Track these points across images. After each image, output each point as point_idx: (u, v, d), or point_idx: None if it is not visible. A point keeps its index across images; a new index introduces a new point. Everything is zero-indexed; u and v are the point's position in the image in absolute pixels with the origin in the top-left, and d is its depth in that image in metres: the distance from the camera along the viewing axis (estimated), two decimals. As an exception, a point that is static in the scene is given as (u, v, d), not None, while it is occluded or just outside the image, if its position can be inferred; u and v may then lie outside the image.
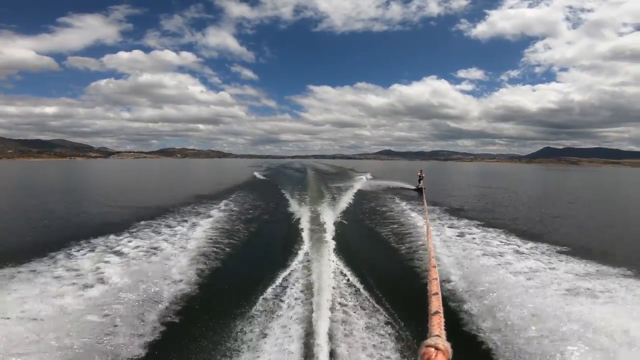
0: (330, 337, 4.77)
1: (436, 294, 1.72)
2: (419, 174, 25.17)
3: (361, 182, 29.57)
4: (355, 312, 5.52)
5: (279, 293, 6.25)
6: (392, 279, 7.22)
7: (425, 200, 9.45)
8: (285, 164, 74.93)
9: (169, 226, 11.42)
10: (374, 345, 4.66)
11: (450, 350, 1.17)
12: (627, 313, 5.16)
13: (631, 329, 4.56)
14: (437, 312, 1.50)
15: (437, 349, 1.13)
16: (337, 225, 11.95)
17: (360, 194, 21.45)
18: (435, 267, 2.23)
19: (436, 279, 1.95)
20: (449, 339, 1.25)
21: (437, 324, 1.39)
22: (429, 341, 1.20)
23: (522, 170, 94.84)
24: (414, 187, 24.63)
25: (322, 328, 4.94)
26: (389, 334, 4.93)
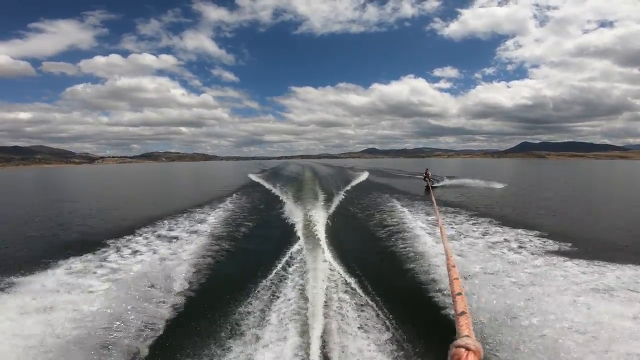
0: (325, 333, 4.95)
1: (460, 294, 1.68)
2: (425, 172, 25.27)
3: (359, 180, 29.64)
4: (350, 310, 5.70)
5: (276, 291, 6.47)
6: (387, 277, 7.38)
7: (434, 200, 9.63)
8: (279, 166, 73.29)
9: (166, 231, 11.55)
10: (368, 344, 4.77)
11: (481, 350, 1.14)
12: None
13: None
14: (463, 313, 1.46)
15: (467, 349, 1.11)
16: (333, 225, 12.15)
17: (357, 193, 21.63)
18: (454, 267, 2.20)
19: (457, 279, 1.91)
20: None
21: (465, 325, 1.35)
22: (459, 342, 1.16)
23: (490, 164, 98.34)
24: (425, 187, 23.66)
25: (316, 327, 5.13)
26: (384, 332, 5.06)
